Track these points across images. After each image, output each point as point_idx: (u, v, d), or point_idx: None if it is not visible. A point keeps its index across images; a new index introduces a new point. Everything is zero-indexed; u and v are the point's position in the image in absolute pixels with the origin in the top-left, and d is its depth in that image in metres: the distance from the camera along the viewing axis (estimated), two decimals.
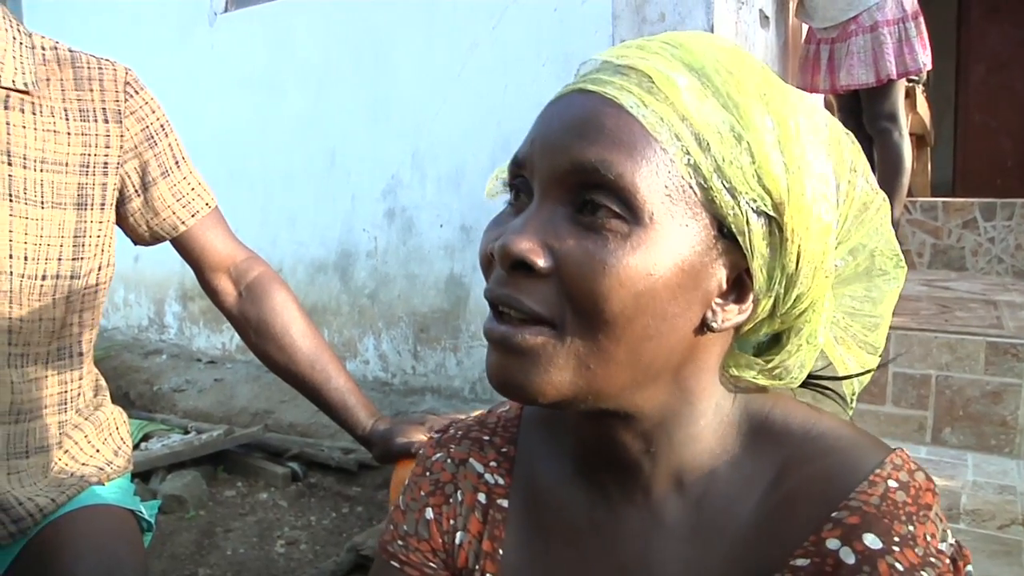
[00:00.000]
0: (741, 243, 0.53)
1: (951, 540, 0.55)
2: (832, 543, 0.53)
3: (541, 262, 0.52)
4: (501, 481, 0.69)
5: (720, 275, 0.54)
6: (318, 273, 3.95)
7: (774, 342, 0.61)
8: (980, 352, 1.89)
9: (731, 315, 0.55)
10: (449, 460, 0.72)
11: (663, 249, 0.51)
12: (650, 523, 0.61)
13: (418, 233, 3.77)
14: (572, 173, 0.52)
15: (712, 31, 2.06)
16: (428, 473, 0.73)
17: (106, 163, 1.09)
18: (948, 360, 1.97)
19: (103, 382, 1.27)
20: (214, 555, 2.58)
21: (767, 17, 2.84)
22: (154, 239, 1.19)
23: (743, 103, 0.52)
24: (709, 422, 0.59)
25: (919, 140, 4.30)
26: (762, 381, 0.61)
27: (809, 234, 0.54)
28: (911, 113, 3.85)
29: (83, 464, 1.16)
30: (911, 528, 0.52)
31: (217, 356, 4.25)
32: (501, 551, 0.67)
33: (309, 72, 3.89)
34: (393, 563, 0.71)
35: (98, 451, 1.19)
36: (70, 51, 1.09)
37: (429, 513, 0.71)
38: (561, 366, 0.53)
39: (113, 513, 1.14)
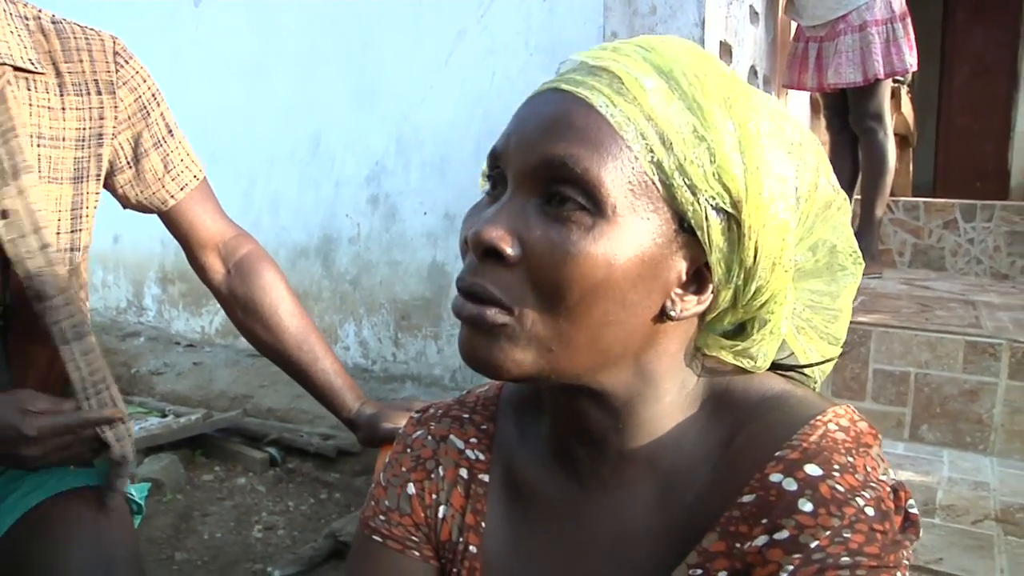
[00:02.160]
0: (700, 237, 0.56)
1: (892, 476, 0.57)
2: (775, 477, 0.56)
3: (510, 250, 0.55)
4: (482, 457, 0.72)
5: (680, 267, 0.57)
6: (300, 258, 3.93)
7: (740, 330, 0.64)
8: (959, 351, 1.92)
9: (690, 305, 0.59)
10: (430, 437, 0.75)
11: (624, 240, 0.54)
12: (620, 495, 0.64)
13: (401, 220, 3.76)
14: (542, 167, 0.56)
15: (703, 25, 2.06)
16: (409, 450, 0.75)
17: (100, 135, 1.08)
18: (927, 358, 1.99)
19: None
20: (191, 539, 2.57)
21: (757, 13, 2.85)
22: (141, 209, 1.18)
23: (707, 106, 0.56)
24: (674, 399, 0.62)
25: (902, 140, 4.33)
26: (731, 361, 0.64)
27: (766, 231, 0.57)
28: (895, 113, 3.88)
29: None
30: (850, 459, 0.56)
31: (196, 340, 4.22)
32: (484, 524, 0.70)
33: (295, 56, 3.86)
34: (375, 537, 0.73)
35: None
36: (53, 21, 1.08)
37: (411, 488, 0.73)
38: (523, 347, 0.56)
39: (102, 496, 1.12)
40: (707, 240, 0.56)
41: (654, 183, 0.55)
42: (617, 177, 0.54)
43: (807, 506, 0.54)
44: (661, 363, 0.61)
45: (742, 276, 0.58)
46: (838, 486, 0.54)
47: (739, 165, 0.55)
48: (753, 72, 2.97)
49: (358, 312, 3.83)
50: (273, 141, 3.94)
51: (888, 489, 0.56)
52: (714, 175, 0.55)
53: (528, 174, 0.57)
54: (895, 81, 3.50)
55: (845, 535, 0.52)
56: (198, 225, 1.20)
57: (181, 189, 1.17)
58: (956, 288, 3.11)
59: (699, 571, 0.58)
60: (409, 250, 3.76)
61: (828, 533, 0.52)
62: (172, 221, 1.19)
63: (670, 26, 2.06)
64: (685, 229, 0.56)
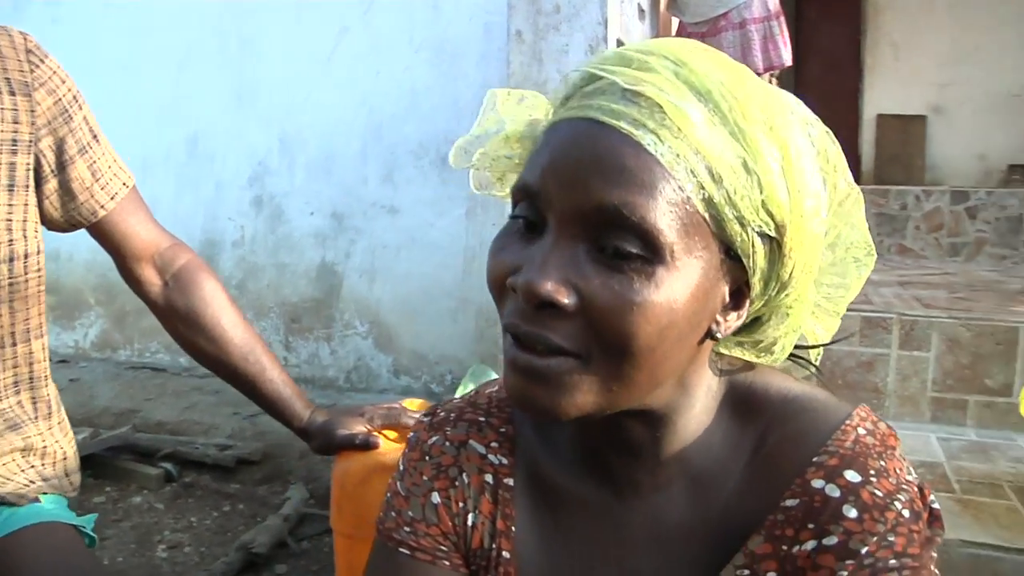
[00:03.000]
0: (745, 263, 0.57)
1: (915, 474, 0.63)
2: (817, 482, 0.59)
3: (568, 301, 0.53)
4: (505, 461, 0.71)
5: (723, 290, 0.58)
6: None
7: (753, 322, 0.65)
8: (856, 326, 2.07)
9: (731, 323, 0.60)
10: (448, 443, 0.73)
11: (683, 282, 0.54)
12: (654, 498, 0.65)
13: (287, 221, 3.69)
14: (595, 213, 0.53)
15: (606, 24, 2.13)
16: (427, 457, 0.73)
17: (15, 140, 1.00)
18: None
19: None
20: None
21: (643, 10, 2.95)
22: (70, 225, 1.10)
23: (749, 132, 0.55)
24: (703, 404, 0.64)
25: None
26: (748, 357, 0.66)
27: (803, 247, 0.58)
28: None
29: (22, 471, 1.08)
30: (883, 463, 0.60)
31: (70, 355, 3.99)
32: (514, 528, 0.69)
33: (168, 54, 3.70)
34: (402, 550, 0.71)
35: (32, 466, 1.11)
36: None
37: (435, 497, 0.71)
38: (585, 391, 0.56)
39: (60, 530, 1.06)
40: (752, 265, 0.57)
41: (705, 220, 0.54)
42: (672, 221, 0.53)
43: (852, 512, 0.57)
44: (697, 375, 0.63)
45: (777, 287, 0.59)
46: (877, 491, 0.57)
47: (784, 191, 0.56)
48: None
49: (246, 317, 3.73)
50: (146, 142, 3.76)
51: (916, 489, 0.60)
52: (762, 205, 0.55)
53: (577, 219, 0.54)
54: (771, 76, 3.71)
55: (890, 539, 0.56)
56: (131, 236, 1.14)
57: (112, 198, 1.11)
58: None
59: (747, 572, 0.60)
60: (297, 251, 3.69)
61: (875, 539, 0.56)
62: (102, 233, 1.13)
63: (574, 24, 2.12)
64: (731, 256, 0.56)
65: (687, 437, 0.64)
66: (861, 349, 2.08)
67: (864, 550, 0.56)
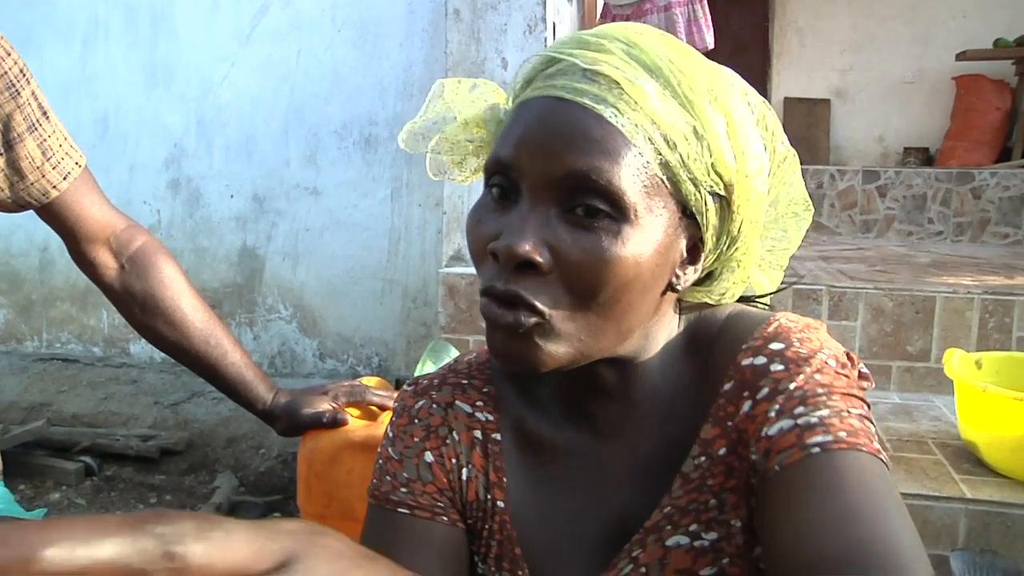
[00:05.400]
0: (699, 220, 0.63)
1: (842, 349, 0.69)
2: (746, 361, 0.66)
3: (543, 260, 0.59)
4: (491, 417, 0.75)
5: (681, 246, 0.64)
6: None
7: (709, 276, 0.72)
8: (788, 298, 2.16)
9: (689, 276, 0.66)
10: (435, 405, 0.77)
11: (646, 238, 0.60)
12: (632, 436, 0.71)
13: (206, 204, 3.58)
14: (566, 179, 0.59)
15: (544, 5, 2.14)
16: (417, 420, 0.76)
17: None
18: None
19: None
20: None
21: None
22: (19, 206, 1.05)
23: (697, 102, 0.61)
24: (667, 345, 0.70)
25: None
26: (705, 299, 0.73)
27: (749, 204, 0.65)
28: None
29: None
30: (806, 334, 0.66)
31: None
32: (505, 479, 0.74)
33: (72, 28, 3.52)
34: (401, 511, 0.73)
35: None
36: None
37: (428, 456, 0.74)
38: (555, 341, 0.61)
39: None
40: (705, 222, 0.63)
41: (663, 181, 0.60)
42: (635, 183, 0.59)
43: (778, 367, 0.64)
44: (660, 324, 0.69)
45: (728, 242, 0.66)
46: (800, 349, 0.64)
47: (730, 154, 0.62)
48: None
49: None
50: None
51: (843, 353, 0.67)
52: (712, 167, 0.61)
53: (549, 185, 0.60)
54: None
55: (816, 377, 0.62)
56: (85, 217, 1.09)
57: (64, 178, 1.06)
58: None
59: (702, 458, 0.67)
60: (216, 235, 3.59)
61: (802, 377, 0.62)
62: (54, 215, 1.08)
63: (512, 4, 2.12)
64: (687, 215, 0.62)
65: (652, 374, 0.70)
66: None
67: (792, 386, 0.62)
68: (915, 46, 5.58)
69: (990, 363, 1.77)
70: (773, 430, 0.61)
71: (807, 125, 5.53)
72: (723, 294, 0.71)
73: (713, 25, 3.53)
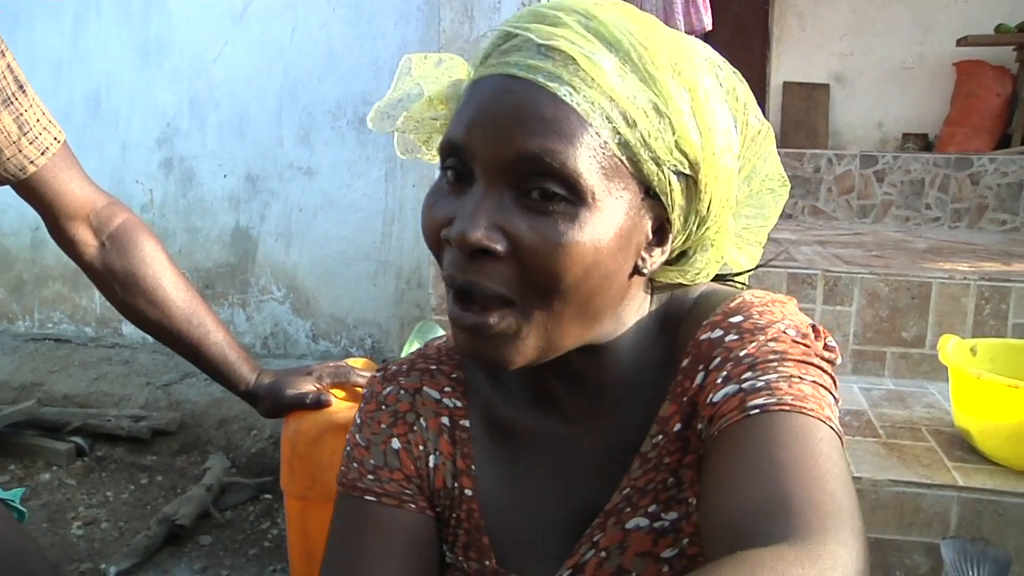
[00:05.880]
0: (663, 200, 0.60)
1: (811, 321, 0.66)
2: (703, 335, 0.64)
3: (499, 247, 0.56)
4: (459, 403, 0.74)
5: (646, 227, 0.61)
6: None
7: (682, 255, 0.70)
8: (783, 282, 2.13)
9: (656, 258, 0.64)
10: (403, 391, 0.75)
11: (605, 221, 0.57)
12: (601, 420, 0.69)
13: (199, 184, 3.55)
14: (518, 162, 0.56)
15: None
16: (384, 406, 0.75)
17: None
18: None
19: None
20: None
21: None
22: None
23: (659, 77, 0.58)
24: (638, 328, 0.68)
25: None
26: (678, 279, 0.70)
27: (718, 183, 0.62)
28: None
29: None
30: (768, 308, 0.64)
31: None
32: (473, 466, 0.72)
33: (63, 5, 3.48)
34: (368, 498, 0.72)
35: None
36: None
37: (395, 443, 0.73)
38: (524, 336, 0.59)
39: None
40: (670, 202, 0.60)
41: (623, 162, 0.57)
42: (591, 164, 0.56)
43: (733, 337, 0.62)
44: (630, 308, 0.66)
45: (697, 222, 0.63)
46: (759, 321, 0.62)
47: (695, 131, 0.59)
48: None
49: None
50: (43, 100, 3.54)
51: (808, 326, 0.64)
52: (675, 145, 0.58)
53: (502, 168, 0.57)
54: None
55: (770, 344, 0.60)
56: (64, 194, 1.07)
57: (42, 153, 1.04)
58: None
59: (659, 436, 0.65)
60: (209, 215, 3.56)
61: (754, 345, 0.60)
62: (32, 190, 1.06)
63: None
64: (650, 195, 0.60)
65: (624, 360, 0.68)
66: None
67: (743, 353, 0.60)
68: (916, 31, 5.54)
69: (985, 350, 1.75)
70: (718, 396, 0.59)
71: (806, 109, 5.48)
72: (697, 273, 0.69)
73: (712, 7, 3.49)
